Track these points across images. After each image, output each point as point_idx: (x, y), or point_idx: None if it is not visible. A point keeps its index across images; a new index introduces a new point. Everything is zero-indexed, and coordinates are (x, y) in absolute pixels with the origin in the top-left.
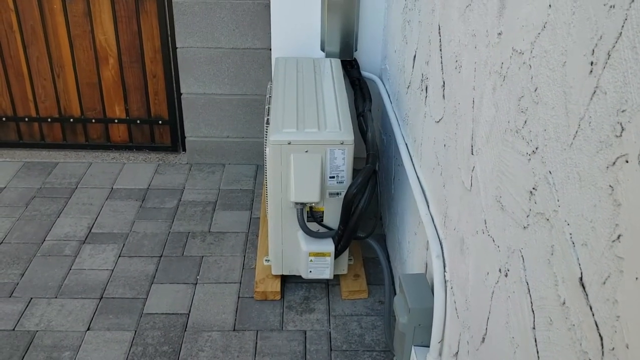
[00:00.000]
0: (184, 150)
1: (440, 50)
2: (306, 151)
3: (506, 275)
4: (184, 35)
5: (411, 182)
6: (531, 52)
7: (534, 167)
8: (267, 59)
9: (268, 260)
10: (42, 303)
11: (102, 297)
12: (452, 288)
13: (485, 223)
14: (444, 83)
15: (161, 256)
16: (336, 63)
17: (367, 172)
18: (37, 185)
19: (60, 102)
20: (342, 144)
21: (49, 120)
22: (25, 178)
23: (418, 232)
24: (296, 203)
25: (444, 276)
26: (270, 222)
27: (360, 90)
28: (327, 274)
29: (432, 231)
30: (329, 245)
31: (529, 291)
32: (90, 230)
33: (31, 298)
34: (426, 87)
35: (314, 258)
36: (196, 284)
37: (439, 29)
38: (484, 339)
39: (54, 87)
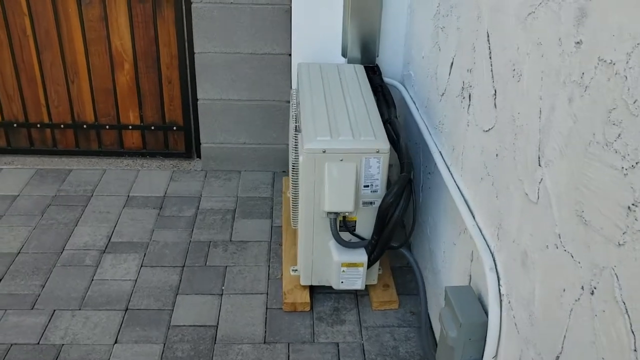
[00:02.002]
0: (198, 156)
1: (490, 58)
2: (341, 160)
3: (592, 293)
4: (203, 40)
5: (452, 191)
6: (627, 62)
7: (632, 182)
8: (286, 65)
9: (295, 270)
10: (66, 315)
11: (127, 309)
12: (509, 302)
13: (560, 237)
14: (495, 92)
15: (184, 266)
16: (360, 69)
17: (403, 181)
18: (51, 193)
19: (74, 108)
20: (377, 152)
21: (62, 126)
22: (39, 185)
23: (458, 242)
24: (329, 212)
25: (499, 290)
26: (301, 232)
27: (383, 96)
28: (359, 284)
29: (482, 243)
30: (362, 256)
31: (627, 311)
32: (109, 240)
33: (54, 310)
34: (469, 95)
35: (347, 269)
36: (222, 294)
37: (488, 36)
38: (558, 357)
39: (68, 93)
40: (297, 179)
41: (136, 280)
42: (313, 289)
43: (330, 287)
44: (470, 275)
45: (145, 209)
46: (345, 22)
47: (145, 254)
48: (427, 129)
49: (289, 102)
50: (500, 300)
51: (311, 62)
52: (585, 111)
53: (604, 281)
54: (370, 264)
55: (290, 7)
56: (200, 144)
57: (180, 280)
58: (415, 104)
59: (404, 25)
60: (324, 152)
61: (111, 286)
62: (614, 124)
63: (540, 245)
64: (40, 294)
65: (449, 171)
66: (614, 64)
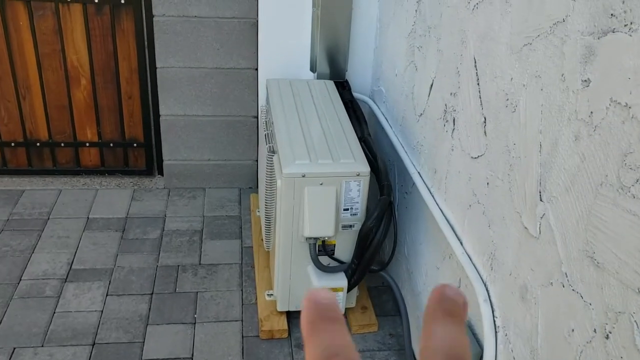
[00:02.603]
0: (160, 174)
1: (478, 84)
2: (321, 184)
3: (607, 337)
4: (165, 54)
5: (435, 215)
6: None
7: None
8: (252, 79)
9: (270, 295)
10: (28, 353)
11: (94, 343)
12: (506, 335)
13: (567, 276)
14: (485, 119)
15: (152, 293)
16: (331, 85)
17: (383, 204)
18: (3, 217)
19: (26, 125)
20: (358, 175)
21: (13, 144)
22: None
23: (442, 267)
24: (308, 237)
25: (494, 321)
26: (278, 257)
27: (354, 112)
28: None
29: (473, 273)
30: (342, 280)
31: None
32: (70, 267)
33: (14, 348)
34: (453, 120)
35: None
36: (195, 323)
37: (475, 62)
38: None
39: (19, 110)
40: (270, 200)
41: (102, 311)
42: (290, 314)
43: None
44: None
45: (107, 231)
46: (314, 36)
47: (110, 281)
48: (404, 148)
49: (255, 117)
50: (496, 332)
51: (281, 78)
52: (594, 151)
53: (621, 327)
54: (350, 288)
55: (257, 20)
56: (162, 160)
57: (150, 309)
58: (387, 120)
59: (373, 40)
60: (303, 176)
61: (76, 318)
62: (630, 169)
63: (543, 281)
64: None
65: (431, 193)
66: (629, 107)
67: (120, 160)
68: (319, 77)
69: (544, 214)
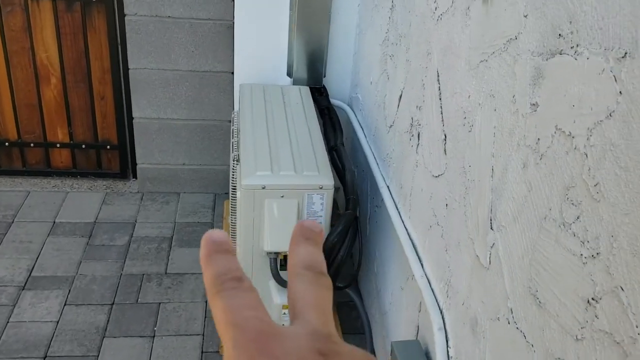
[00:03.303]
0: (135, 177)
1: (440, 99)
2: (282, 196)
3: None
4: (137, 55)
5: (399, 234)
6: (588, 139)
7: (593, 273)
8: (228, 83)
9: None
10: None
11: (46, 356)
12: None
13: (512, 312)
14: (445, 137)
15: (113, 304)
16: (305, 91)
17: (347, 219)
18: None
19: None
20: (321, 188)
21: None
22: None
23: (406, 288)
24: (269, 252)
25: (447, 351)
26: None
27: (330, 120)
28: None
29: (430, 298)
30: None
31: None
32: (30, 274)
33: None
34: (418, 134)
35: (288, 311)
36: (154, 336)
37: (438, 75)
38: None
39: None
40: (235, 211)
41: (58, 322)
42: None
43: None
44: (417, 327)
45: (72, 237)
46: (291, 40)
47: (69, 290)
48: (375, 159)
49: (230, 121)
50: None
51: (254, 83)
52: (540, 181)
53: None
54: None
55: (233, 22)
56: (136, 164)
57: (108, 321)
58: (363, 130)
59: (352, 45)
60: (263, 188)
61: (29, 329)
62: (572, 204)
63: (491, 315)
64: None
65: (397, 209)
66: (573, 137)
67: (92, 162)
68: (296, 82)
69: (493, 243)
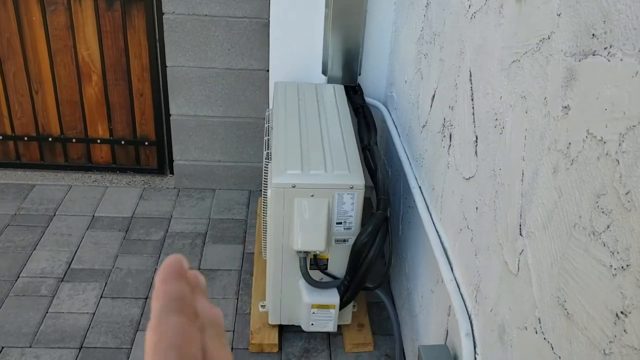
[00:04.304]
0: (172, 173)
1: (472, 100)
2: (312, 195)
3: None
4: (175, 53)
5: (430, 236)
6: (620, 144)
7: (623, 286)
8: (264, 81)
9: (264, 306)
10: (15, 354)
11: (82, 347)
12: None
13: (540, 322)
14: (476, 139)
15: (147, 298)
16: (340, 90)
17: (378, 219)
18: (11, 212)
19: (38, 120)
20: (351, 188)
21: (26, 138)
22: None
23: (436, 291)
24: (299, 251)
25: (475, 358)
26: (270, 269)
27: (364, 118)
28: (330, 327)
29: (459, 303)
30: (333, 297)
31: None
32: (69, 266)
33: (2, 347)
34: (450, 135)
35: (317, 310)
36: None
37: (470, 75)
38: None
39: (32, 105)
40: (266, 208)
41: (94, 314)
42: (282, 328)
43: (300, 326)
44: (447, 331)
45: (110, 231)
46: (326, 38)
47: (106, 283)
48: (408, 159)
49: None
50: None
51: (289, 81)
52: (570, 187)
53: None
54: (342, 305)
55: (269, 20)
56: (173, 160)
57: (142, 314)
58: (397, 129)
59: (388, 43)
60: (293, 187)
61: (66, 320)
62: (603, 212)
63: (519, 323)
64: None
65: (429, 211)
66: (604, 142)
67: (131, 157)
68: (331, 80)
69: (522, 250)
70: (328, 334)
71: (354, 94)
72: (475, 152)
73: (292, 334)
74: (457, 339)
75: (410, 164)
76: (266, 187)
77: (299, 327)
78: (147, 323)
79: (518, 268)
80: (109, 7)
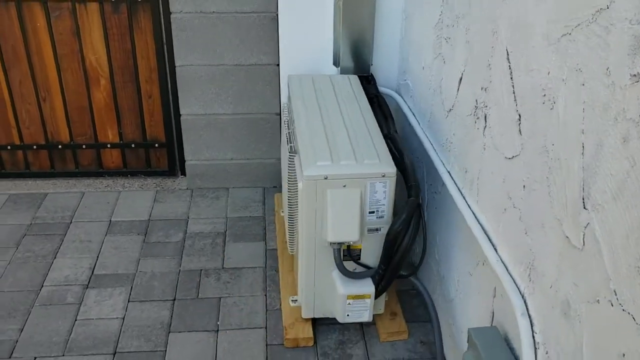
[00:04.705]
0: (183, 174)
1: (512, 79)
2: (344, 186)
3: None
4: (184, 52)
5: (467, 219)
6: None
7: None
8: (274, 75)
9: (295, 301)
10: None
11: (115, 352)
12: (547, 353)
13: (616, 294)
14: (519, 117)
15: (174, 299)
16: (355, 80)
17: (411, 206)
18: (26, 221)
19: (47, 127)
20: (383, 176)
21: (35, 147)
22: (12, 213)
23: (475, 274)
24: (332, 242)
25: (533, 337)
26: (302, 262)
27: (380, 108)
28: (366, 316)
29: (509, 283)
30: (368, 287)
31: None
32: (92, 272)
33: (35, 358)
34: (485, 116)
35: (352, 301)
36: (217, 330)
37: (507, 54)
38: None
39: (40, 112)
40: (293, 202)
41: (124, 318)
42: (315, 321)
43: (334, 318)
44: (492, 313)
45: (129, 235)
46: (337, 29)
47: (132, 287)
48: (432, 145)
49: (277, 114)
50: (536, 349)
51: (303, 74)
52: None
53: None
54: (377, 294)
55: (277, 14)
56: (184, 161)
57: (172, 316)
58: (415, 116)
59: (398, 31)
60: (325, 178)
61: (97, 326)
62: None
63: (588, 297)
64: (18, 339)
65: (462, 195)
66: None
67: (142, 161)
68: (343, 71)
69: (588, 224)
70: (361, 324)
71: (367, 83)
72: (519, 131)
73: (325, 326)
74: (507, 320)
75: (435, 149)
76: (291, 181)
77: (332, 319)
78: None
79: (583, 242)
80: (114, 10)
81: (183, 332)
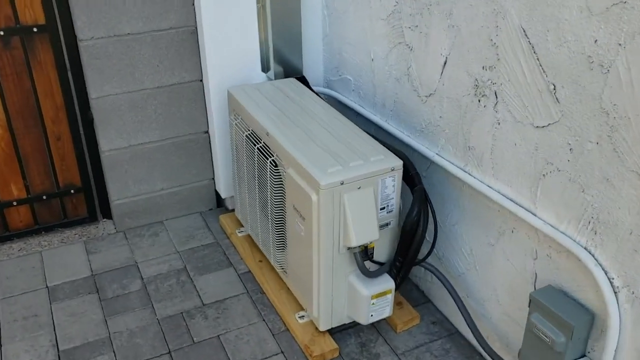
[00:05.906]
0: (106, 217)
1: (535, 52)
2: (359, 188)
3: None
4: (99, 82)
5: (488, 194)
6: None
7: None
8: (198, 91)
9: (302, 317)
10: None
11: None
12: (632, 293)
13: None
14: (554, 87)
15: (169, 352)
16: (297, 83)
17: (419, 195)
18: None
19: None
20: (392, 170)
21: None
22: None
23: (501, 243)
24: (353, 247)
25: (611, 283)
26: (319, 274)
27: None
28: (387, 311)
29: (568, 241)
30: (388, 282)
31: None
32: (58, 349)
33: None
34: (495, 93)
35: (376, 300)
36: None
37: (525, 32)
38: None
39: None
40: (279, 219)
41: None
42: (331, 330)
43: (344, 324)
44: (535, 274)
45: (79, 297)
46: (263, 34)
47: (114, 351)
48: (404, 132)
49: (206, 132)
50: (615, 293)
51: (245, 84)
52: None
53: None
54: (397, 287)
55: (196, 27)
56: (108, 202)
57: None
58: (366, 109)
59: (320, 29)
60: (342, 183)
61: None
62: None
63: None
64: None
65: (466, 172)
66: None
67: (56, 212)
68: (276, 76)
69: None
70: (372, 323)
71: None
72: (556, 99)
73: (339, 334)
74: (560, 277)
75: (410, 136)
76: (277, 196)
77: (343, 325)
78: None
79: None
80: (5, 45)
81: None
